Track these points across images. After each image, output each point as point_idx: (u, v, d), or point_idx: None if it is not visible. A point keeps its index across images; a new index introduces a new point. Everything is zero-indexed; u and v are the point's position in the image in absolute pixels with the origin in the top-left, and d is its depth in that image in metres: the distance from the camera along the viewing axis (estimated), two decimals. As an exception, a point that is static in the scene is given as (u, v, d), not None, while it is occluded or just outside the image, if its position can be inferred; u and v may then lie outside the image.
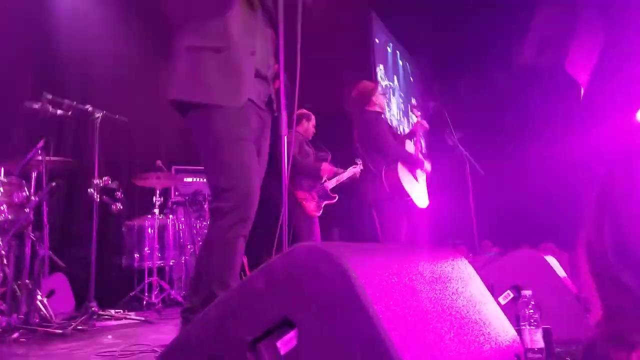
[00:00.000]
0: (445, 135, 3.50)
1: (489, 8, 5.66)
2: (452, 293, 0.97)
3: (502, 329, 1.05)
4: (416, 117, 3.41)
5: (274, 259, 0.87)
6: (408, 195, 3.04)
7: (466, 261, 1.15)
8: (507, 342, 1.03)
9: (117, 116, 3.26)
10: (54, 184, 2.91)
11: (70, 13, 4.25)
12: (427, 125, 3.36)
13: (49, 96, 2.84)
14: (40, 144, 2.81)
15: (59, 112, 2.91)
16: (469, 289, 1.04)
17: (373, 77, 5.52)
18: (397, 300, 0.81)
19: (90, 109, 3.07)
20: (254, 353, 0.86)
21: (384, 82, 5.66)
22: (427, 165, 3.30)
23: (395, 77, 6.25)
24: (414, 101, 5.50)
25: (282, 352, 0.84)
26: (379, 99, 3.35)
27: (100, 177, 3.12)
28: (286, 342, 0.85)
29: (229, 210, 1.56)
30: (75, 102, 3.02)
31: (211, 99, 1.61)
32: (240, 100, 1.64)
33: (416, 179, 3.20)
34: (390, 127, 3.57)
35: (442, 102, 3.88)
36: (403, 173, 3.07)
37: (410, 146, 3.39)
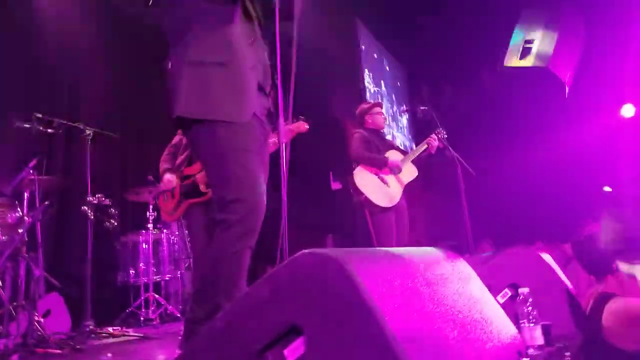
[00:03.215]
0: (425, 145, 3.59)
1: (475, 11, 5.75)
2: (454, 293, 0.99)
3: (504, 326, 1.07)
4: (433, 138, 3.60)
5: (278, 267, 0.88)
6: (363, 194, 3.33)
7: (464, 261, 1.17)
8: (508, 340, 1.05)
9: (108, 133, 3.26)
10: (47, 203, 2.90)
11: (59, 30, 4.24)
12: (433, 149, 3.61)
13: (39, 115, 2.84)
14: (32, 163, 2.80)
15: (50, 130, 2.91)
16: (469, 289, 1.06)
17: (361, 84, 5.56)
18: (401, 303, 0.83)
19: (81, 126, 3.07)
20: (262, 362, 0.87)
21: (372, 88, 5.72)
22: (395, 169, 3.48)
23: (382, 82, 6.31)
24: (404, 107, 5.58)
25: (289, 359, 0.86)
26: (373, 117, 3.56)
27: (93, 194, 3.11)
28: (294, 350, 0.86)
29: (236, 221, 1.55)
30: (65, 121, 3.02)
31: (218, 116, 1.60)
32: (246, 116, 1.64)
33: (384, 181, 3.43)
34: (377, 137, 3.65)
35: (430, 105, 3.95)
36: (362, 174, 3.41)
37: (394, 154, 3.52)
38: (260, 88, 1.74)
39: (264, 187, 1.68)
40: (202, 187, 2.78)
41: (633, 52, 5.10)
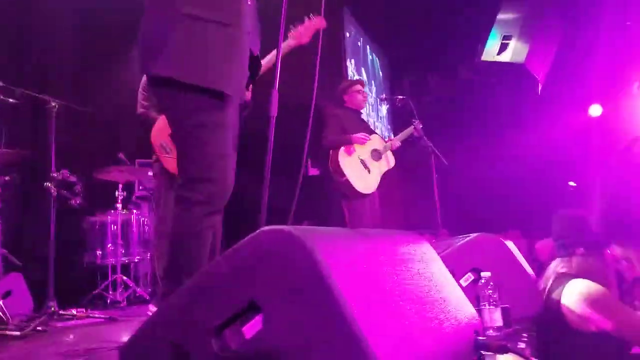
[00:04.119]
0: (412, 127, 3.60)
1: (457, 4, 5.79)
2: (414, 274, 1.00)
3: (462, 307, 1.09)
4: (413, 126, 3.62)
5: (239, 243, 0.87)
6: (345, 176, 3.29)
7: (428, 244, 1.18)
8: (466, 320, 1.07)
9: (75, 106, 3.14)
10: (7, 178, 2.78)
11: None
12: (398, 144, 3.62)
13: (0, 84, 2.70)
14: (-9, 135, 2.67)
15: (12, 100, 2.78)
16: (430, 270, 1.07)
17: (343, 71, 5.53)
18: (361, 281, 0.83)
19: (45, 97, 2.94)
20: (219, 339, 0.86)
21: (355, 76, 5.70)
22: (361, 136, 3.43)
23: (363, 70, 6.31)
24: (383, 95, 5.59)
25: (248, 336, 0.85)
26: (352, 96, 3.50)
27: (58, 170, 2.99)
28: (252, 327, 0.86)
29: (202, 201, 1.47)
30: (29, 91, 2.87)
31: (208, 82, 1.45)
32: (240, 87, 1.54)
33: (366, 166, 3.42)
34: (357, 118, 3.62)
35: (410, 95, 3.97)
36: (345, 158, 3.35)
37: (377, 139, 3.51)
38: (250, 56, 1.63)
39: (234, 168, 1.63)
40: None
41: (601, 53, 5.25)
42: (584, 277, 1.72)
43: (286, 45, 2.32)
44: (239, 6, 1.51)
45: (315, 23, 2.45)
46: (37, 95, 2.89)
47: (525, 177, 5.72)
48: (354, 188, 3.31)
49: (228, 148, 1.54)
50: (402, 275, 0.95)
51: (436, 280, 1.06)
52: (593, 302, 1.64)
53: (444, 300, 1.02)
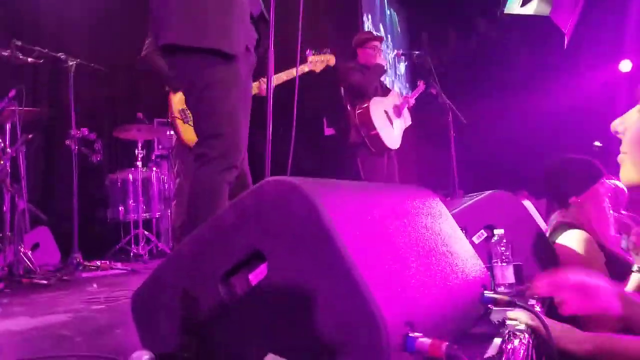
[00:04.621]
0: (429, 84, 3.49)
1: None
2: (422, 227, 0.99)
3: (470, 261, 1.09)
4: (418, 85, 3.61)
5: (243, 193, 0.87)
6: (375, 129, 3.22)
7: (438, 199, 1.16)
8: (474, 274, 1.07)
9: (92, 65, 3.15)
10: (30, 136, 2.85)
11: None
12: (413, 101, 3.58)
13: (19, 43, 2.72)
14: (12, 93, 2.72)
15: (30, 60, 2.80)
16: (438, 224, 1.06)
17: (359, 26, 5.35)
18: (363, 231, 0.83)
19: (63, 56, 2.95)
20: (226, 285, 0.88)
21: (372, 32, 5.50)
22: (395, 98, 3.43)
23: (381, 26, 6.08)
24: (400, 51, 5.40)
25: (253, 282, 0.87)
26: (365, 52, 3.40)
27: (79, 128, 3.05)
28: (258, 275, 0.87)
29: (215, 157, 1.55)
30: (47, 50, 2.89)
31: (210, 44, 1.54)
32: (238, 47, 1.58)
33: (390, 122, 3.36)
34: (374, 75, 3.51)
35: (430, 50, 3.83)
36: (375, 110, 3.27)
37: (395, 96, 3.43)
38: (251, 17, 1.68)
39: (245, 124, 1.67)
40: None
41: (633, 8, 4.92)
42: (580, 226, 1.68)
43: (301, 69, 2.73)
44: None
45: (328, 59, 2.86)
46: (55, 54, 2.90)
47: (548, 136, 5.55)
48: (382, 142, 3.24)
49: (236, 104, 1.60)
50: (408, 227, 0.95)
51: (444, 234, 1.05)
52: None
53: (451, 254, 1.02)
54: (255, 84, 2.69)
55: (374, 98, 3.32)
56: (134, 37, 4.51)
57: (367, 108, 3.25)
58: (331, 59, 2.88)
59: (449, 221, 1.13)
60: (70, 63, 2.98)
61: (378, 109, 3.32)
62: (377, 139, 3.24)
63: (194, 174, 1.62)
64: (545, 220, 2.03)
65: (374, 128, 3.22)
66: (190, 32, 1.54)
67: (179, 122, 2.82)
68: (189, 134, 2.76)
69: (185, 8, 1.54)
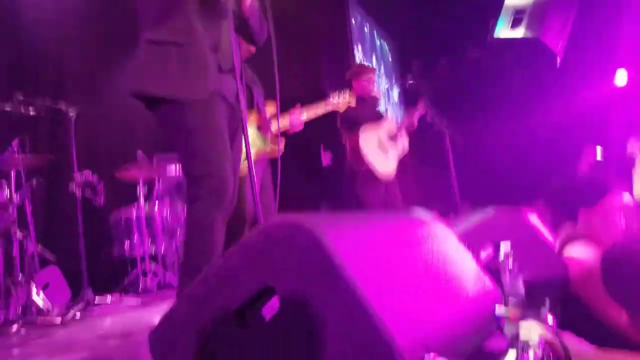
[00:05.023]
0: (417, 109, 3.55)
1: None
2: (428, 252, 1.01)
3: (479, 280, 1.10)
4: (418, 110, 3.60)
5: (248, 234, 0.90)
6: (366, 164, 3.26)
7: (442, 223, 1.18)
8: (483, 291, 1.08)
9: (93, 111, 3.23)
10: (34, 181, 2.89)
11: (39, 6, 4.11)
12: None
13: (21, 97, 2.81)
14: (15, 142, 2.78)
15: (32, 113, 2.88)
16: (444, 248, 1.08)
17: (351, 57, 5.45)
18: (370, 263, 0.85)
19: (63, 108, 3.04)
20: (239, 321, 0.89)
21: (364, 63, 5.62)
22: (390, 125, 3.43)
23: (373, 56, 6.21)
24: (393, 80, 5.50)
25: (267, 317, 0.88)
26: (360, 83, 3.45)
27: (81, 171, 3.11)
28: (270, 308, 0.89)
29: (204, 195, 1.60)
30: (47, 101, 2.99)
31: (175, 94, 1.62)
32: (205, 93, 1.64)
33: (385, 150, 3.38)
34: (367, 107, 3.58)
35: (420, 79, 3.91)
36: (366, 142, 3.32)
37: (390, 124, 3.48)
38: (222, 70, 1.73)
39: (230, 162, 1.69)
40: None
41: (626, 19, 5.01)
42: (589, 237, 1.67)
43: (325, 108, 2.94)
44: (194, 25, 1.66)
45: (349, 100, 3.05)
46: (55, 105, 2.99)
47: (547, 149, 5.59)
48: (375, 173, 3.26)
49: (218, 143, 1.66)
50: (414, 254, 0.96)
51: (450, 256, 1.07)
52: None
53: (459, 276, 1.03)
54: (284, 121, 2.78)
55: (365, 127, 3.34)
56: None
57: (357, 142, 3.30)
58: (352, 100, 3.04)
59: (454, 243, 1.15)
60: (71, 114, 3.07)
61: (370, 139, 3.35)
62: (369, 172, 3.27)
63: (187, 215, 1.69)
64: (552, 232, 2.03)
65: (364, 163, 3.26)
66: (153, 81, 1.64)
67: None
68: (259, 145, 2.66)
69: (149, 61, 1.65)
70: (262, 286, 0.87)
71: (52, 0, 4.22)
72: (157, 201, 4.20)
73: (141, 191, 4.03)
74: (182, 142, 1.65)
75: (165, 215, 4.19)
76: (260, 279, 0.87)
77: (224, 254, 0.94)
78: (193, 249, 1.62)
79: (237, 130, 1.80)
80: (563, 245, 1.75)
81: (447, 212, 3.65)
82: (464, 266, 1.09)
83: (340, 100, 2.97)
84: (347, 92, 3.04)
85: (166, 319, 0.99)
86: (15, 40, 3.95)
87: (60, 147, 3.90)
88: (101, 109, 3.39)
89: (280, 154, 2.22)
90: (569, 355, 0.99)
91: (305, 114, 2.81)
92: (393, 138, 3.47)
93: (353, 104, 3.05)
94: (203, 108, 1.64)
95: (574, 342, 1.06)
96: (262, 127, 2.66)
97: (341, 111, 3.16)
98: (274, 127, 2.62)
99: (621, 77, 5.66)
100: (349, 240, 0.85)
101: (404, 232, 1.00)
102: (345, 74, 3.72)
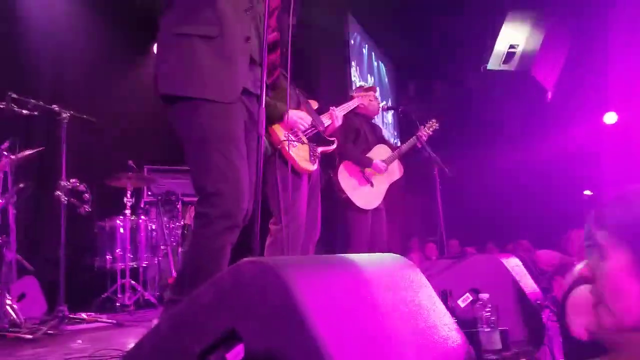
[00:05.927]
0: (414, 138, 3.55)
1: (463, 11, 5.74)
2: (400, 302, 1.00)
3: (450, 334, 1.09)
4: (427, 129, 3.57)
5: (222, 272, 0.89)
6: (344, 193, 3.25)
7: (418, 270, 1.18)
8: (454, 346, 1.07)
9: (85, 116, 3.21)
10: (21, 185, 2.86)
11: (39, 10, 4.15)
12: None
13: (14, 95, 2.78)
14: (5, 145, 2.75)
15: (25, 112, 2.85)
16: (418, 298, 1.07)
17: (348, 78, 5.54)
18: (339, 311, 0.84)
19: (56, 108, 3.01)
20: (203, 365, 0.87)
21: (359, 83, 5.69)
22: (381, 166, 3.38)
23: (369, 77, 6.30)
24: (388, 103, 5.55)
25: (231, 364, 0.86)
26: (367, 102, 3.45)
27: (69, 179, 3.07)
28: (235, 355, 0.87)
29: (218, 216, 1.47)
30: (41, 102, 2.95)
31: (203, 94, 1.51)
32: (233, 95, 1.55)
33: (368, 181, 3.34)
34: (367, 125, 3.58)
35: (416, 101, 3.94)
36: (345, 174, 3.31)
37: (382, 149, 3.48)
38: (254, 62, 1.64)
39: (247, 179, 1.57)
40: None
41: (616, 60, 5.14)
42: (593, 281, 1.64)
43: (353, 104, 3.08)
44: (224, 15, 1.55)
45: (371, 94, 3.34)
46: (48, 106, 2.96)
47: (537, 186, 5.64)
48: (353, 203, 3.28)
49: (236, 159, 1.53)
50: (386, 303, 0.95)
51: (423, 307, 1.06)
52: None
53: (431, 329, 1.02)
54: (325, 116, 2.72)
55: (342, 164, 3.31)
56: (123, 87, 4.67)
57: (336, 172, 3.29)
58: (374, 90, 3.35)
59: (428, 293, 1.14)
60: (64, 115, 3.04)
61: (352, 169, 3.33)
62: (348, 200, 3.26)
63: (194, 232, 1.55)
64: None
65: (344, 192, 3.26)
66: (182, 81, 1.53)
67: (285, 152, 2.46)
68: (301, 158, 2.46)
69: (177, 56, 1.54)
70: (228, 329, 0.85)
71: (55, 7, 4.27)
72: (142, 214, 4.17)
73: (128, 201, 3.98)
74: (198, 152, 1.52)
75: (150, 229, 4.14)
76: (227, 321, 0.85)
77: (195, 292, 0.92)
78: (194, 271, 1.50)
79: (251, 131, 1.65)
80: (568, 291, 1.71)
81: (435, 246, 3.64)
82: (438, 320, 1.08)
83: (363, 94, 3.18)
84: (370, 87, 3.27)
85: (131, 354, 0.97)
86: (12, 40, 3.97)
87: (51, 150, 3.89)
88: (96, 115, 3.35)
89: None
90: None
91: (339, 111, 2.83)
92: (384, 165, 3.42)
93: (376, 92, 3.19)
94: (227, 115, 1.53)
95: None
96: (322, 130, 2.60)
97: (366, 104, 3.27)
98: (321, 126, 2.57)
99: (610, 118, 5.78)
100: (319, 285, 0.84)
101: (377, 279, 0.99)
102: (341, 92, 3.75)
